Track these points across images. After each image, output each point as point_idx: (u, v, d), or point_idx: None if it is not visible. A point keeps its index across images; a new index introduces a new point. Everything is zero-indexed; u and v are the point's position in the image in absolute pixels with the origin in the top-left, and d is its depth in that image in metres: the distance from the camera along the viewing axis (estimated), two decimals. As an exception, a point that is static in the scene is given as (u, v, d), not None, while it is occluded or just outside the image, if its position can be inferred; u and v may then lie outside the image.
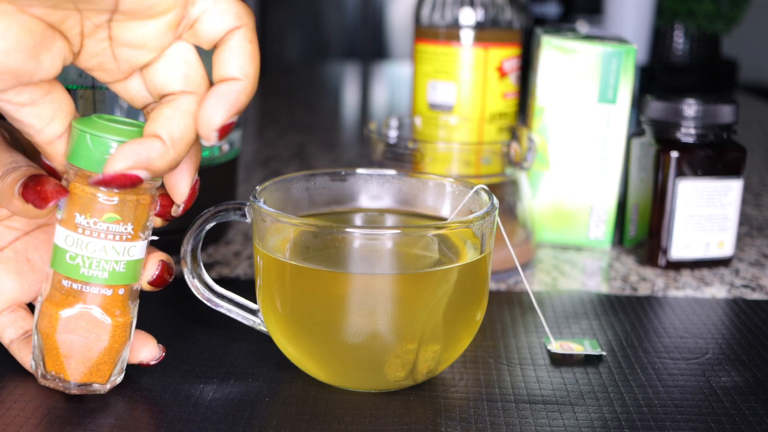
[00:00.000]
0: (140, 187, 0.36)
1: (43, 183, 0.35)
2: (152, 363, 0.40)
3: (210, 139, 0.34)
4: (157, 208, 0.38)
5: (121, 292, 0.37)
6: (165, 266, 0.39)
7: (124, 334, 0.38)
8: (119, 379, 0.39)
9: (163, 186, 0.38)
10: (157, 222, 0.38)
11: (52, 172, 0.37)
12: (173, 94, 0.35)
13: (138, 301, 0.39)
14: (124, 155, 0.33)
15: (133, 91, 0.36)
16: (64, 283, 0.37)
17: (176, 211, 0.38)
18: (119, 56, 0.35)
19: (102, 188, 0.35)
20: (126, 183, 0.33)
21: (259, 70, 0.35)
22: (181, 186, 0.37)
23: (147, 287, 0.39)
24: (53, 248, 0.37)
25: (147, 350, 0.40)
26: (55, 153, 0.36)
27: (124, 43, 0.34)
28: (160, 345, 0.40)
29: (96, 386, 0.38)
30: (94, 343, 0.37)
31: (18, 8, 0.31)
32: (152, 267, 0.39)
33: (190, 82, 0.35)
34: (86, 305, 0.37)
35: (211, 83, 0.35)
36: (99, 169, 0.35)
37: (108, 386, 0.38)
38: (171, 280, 0.40)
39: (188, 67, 0.35)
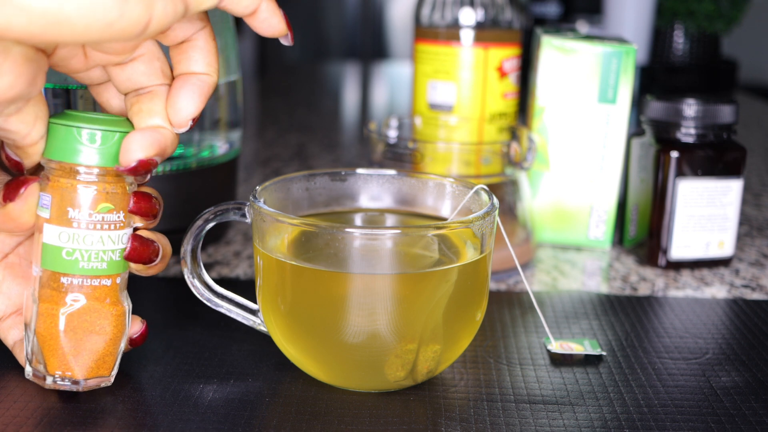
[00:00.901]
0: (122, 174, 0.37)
1: (13, 179, 0.36)
2: (136, 336, 0.40)
3: (185, 127, 0.36)
4: (131, 204, 0.37)
5: (118, 281, 0.38)
6: (134, 236, 0.38)
7: (124, 323, 0.38)
8: (116, 370, 0.39)
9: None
10: (135, 219, 0.38)
11: (18, 167, 0.37)
12: (152, 86, 0.37)
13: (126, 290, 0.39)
14: (146, 143, 0.35)
15: (93, 78, 0.38)
16: (63, 280, 0.36)
17: (288, 43, 0.38)
18: (90, 56, 0.36)
19: (96, 178, 0.36)
20: (149, 169, 0.35)
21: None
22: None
23: (133, 264, 0.38)
24: (42, 248, 0.37)
25: (134, 327, 0.40)
26: (37, 152, 0.36)
27: (97, 49, 0.35)
28: (142, 320, 0.40)
29: (103, 379, 0.38)
30: (99, 335, 0.37)
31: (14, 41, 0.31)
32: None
33: (165, 75, 0.37)
34: (88, 298, 0.37)
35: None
36: (85, 161, 0.35)
37: (112, 378, 0.38)
38: (156, 259, 0.39)
39: (162, 63, 0.37)
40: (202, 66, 0.36)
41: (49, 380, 0.37)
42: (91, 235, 0.36)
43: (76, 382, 0.37)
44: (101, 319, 0.37)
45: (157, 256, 0.39)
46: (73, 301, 0.37)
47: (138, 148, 0.35)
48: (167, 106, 0.36)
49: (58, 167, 0.36)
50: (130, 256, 0.38)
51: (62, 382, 0.37)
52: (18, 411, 0.37)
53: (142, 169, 0.35)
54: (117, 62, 0.36)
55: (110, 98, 0.39)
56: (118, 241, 0.37)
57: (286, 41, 0.37)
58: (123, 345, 0.38)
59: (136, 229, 0.38)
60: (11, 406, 0.37)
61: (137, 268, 0.39)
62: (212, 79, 0.37)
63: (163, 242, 0.39)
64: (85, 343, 0.37)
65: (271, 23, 0.36)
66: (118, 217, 0.37)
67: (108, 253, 0.37)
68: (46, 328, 0.37)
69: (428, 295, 0.38)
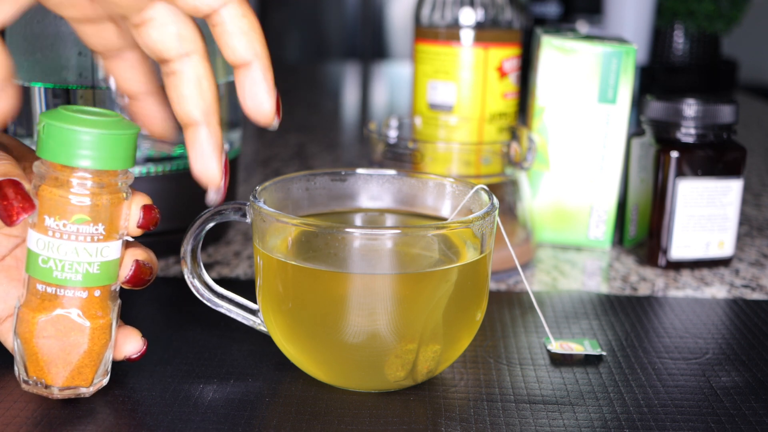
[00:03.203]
0: (112, 186, 0.36)
1: (9, 198, 0.34)
2: (135, 357, 0.39)
3: (273, 124, 0.36)
4: (140, 220, 0.37)
5: (97, 293, 0.36)
6: (139, 266, 0.38)
7: (104, 336, 0.37)
8: (105, 381, 0.38)
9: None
10: (137, 232, 0.37)
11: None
12: (172, 60, 0.35)
13: (119, 300, 0.38)
14: (211, 166, 0.35)
15: (102, 37, 0.36)
16: (39, 287, 0.36)
17: (216, 197, 0.37)
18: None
19: (75, 190, 0.35)
20: (228, 171, 0.36)
21: (265, 40, 0.35)
22: (212, 167, 0.36)
23: (126, 286, 0.38)
24: (27, 252, 0.36)
25: (132, 344, 0.39)
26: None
27: None
28: (143, 338, 0.40)
29: (81, 390, 0.37)
30: (73, 346, 0.36)
31: None
32: (126, 266, 0.38)
33: (184, 41, 0.34)
34: (62, 309, 0.36)
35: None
36: (73, 162, 0.34)
37: (92, 389, 0.37)
38: (151, 279, 0.38)
39: (178, 26, 0.34)
40: (243, 52, 0.34)
41: (24, 382, 0.37)
42: (65, 245, 0.35)
43: (48, 388, 0.37)
44: (75, 330, 0.36)
45: (152, 276, 0.39)
46: (47, 309, 0.36)
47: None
48: (243, 105, 0.35)
49: (47, 169, 0.35)
50: (131, 283, 0.38)
51: (37, 387, 0.37)
52: (18, 411, 0.37)
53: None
54: (121, 13, 0.34)
55: (125, 76, 0.37)
56: (97, 254, 0.36)
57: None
58: (108, 356, 0.38)
59: (126, 242, 0.38)
60: (11, 406, 0.37)
61: (128, 286, 0.38)
62: (261, 64, 0.35)
63: (154, 260, 0.39)
64: (58, 353, 0.36)
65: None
66: (96, 229, 0.36)
67: (83, 265, 0.36)
68: (23, 333, 0.36)
69: (428, 295, 0.38)
